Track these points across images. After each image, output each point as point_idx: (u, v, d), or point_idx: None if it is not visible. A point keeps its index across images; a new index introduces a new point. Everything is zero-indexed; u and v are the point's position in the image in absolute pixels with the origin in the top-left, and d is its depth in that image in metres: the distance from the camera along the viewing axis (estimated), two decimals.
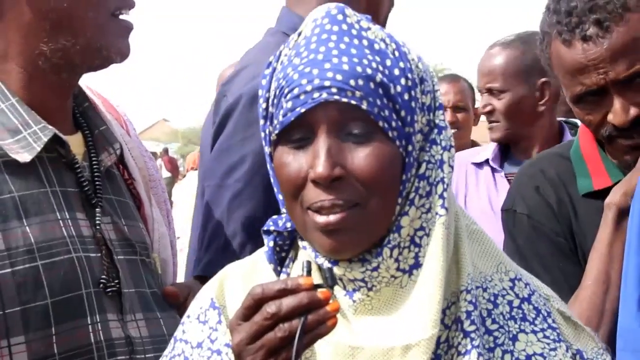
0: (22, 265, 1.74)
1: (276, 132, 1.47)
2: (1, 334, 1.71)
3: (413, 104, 1.48)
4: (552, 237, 2.28)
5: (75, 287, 1.80)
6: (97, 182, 1.94)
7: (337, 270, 1.47)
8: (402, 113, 1.47)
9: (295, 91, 1.44)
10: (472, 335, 1.46)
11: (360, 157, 1.44)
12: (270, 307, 1.35)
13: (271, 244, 1.56)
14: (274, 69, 1.53)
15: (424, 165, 1.50)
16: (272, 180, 1.55)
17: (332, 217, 1.43)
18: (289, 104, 1.44)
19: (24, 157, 1.82)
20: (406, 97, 1.47)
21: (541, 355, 1.50)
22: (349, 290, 1.49)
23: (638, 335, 1.78)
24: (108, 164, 2.02)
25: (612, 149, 2.23)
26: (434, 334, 1.43)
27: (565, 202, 2.29)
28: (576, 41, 2.11)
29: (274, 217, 1.57)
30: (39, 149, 1.83)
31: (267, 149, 1.55)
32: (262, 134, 1.55)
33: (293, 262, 1.59)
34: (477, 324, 1.47)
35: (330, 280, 1.41)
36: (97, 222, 1.90)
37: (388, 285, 1.47)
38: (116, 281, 1.89)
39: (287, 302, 1.35)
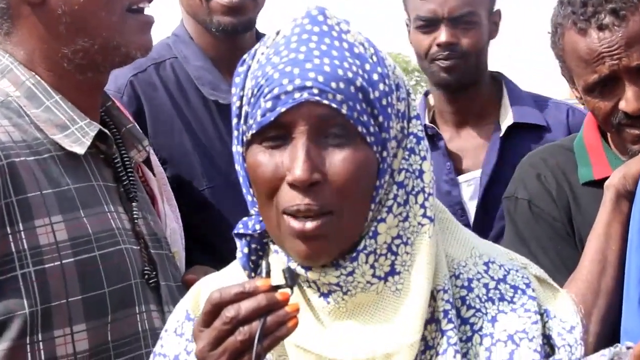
0: (83, 255, 1.83)
1: (252, 131, 1.44)
2: (65, 322, 1.80)
3: (389, 110, 1.46)
4: (550, 222, 2.33)
5: (127, 278, 1.89)
6: (131, 178, 2.00)
7: (310, 275, 1.45)
8: (380, 119, 1.45)
9: (276, 91, 1.41)
10: (449, 333, 1.45)
11: (338, 161, 1.42)
12: (229, 312, 1.35)
13: (245, 250, 1.52)
14: (249, 67, 1.50)
15: (402, 174, 1.48)
16: (241, 180, 1.53)
17: (308, 225, 1.41)
18: (269, 104, 1.41)
19: (78, 150, 1.88)
20: (384, 102, 1.45)
21: (523, 331, 1.47)
22: (323, 292, 1.47)
23: None
24: (139, 160, 2.08)
25: (618, 139, 2.27)
26: (416, 340, 1.43)
27: (564, 190, 2.35)
28: (592, 30, 2.16)
29: (244, 218, 1.54)
30: (88, 143, 1.90)
31: (239, 149, 1.51)
32: (235, 133, 1.52)
33: None
34: (454, 322, 1.46)
35: (290, 281, 1.39)
36: (135, 216, 1.96)
37: (364, 291, 1.46)
38: (154, 273, 1.96)
39: (246, 305, 1.34)
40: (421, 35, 2.93)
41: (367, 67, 1.45)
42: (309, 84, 1.40)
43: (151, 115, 2.65)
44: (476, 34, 2.92)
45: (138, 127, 2.10)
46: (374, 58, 1.47)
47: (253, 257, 1.53)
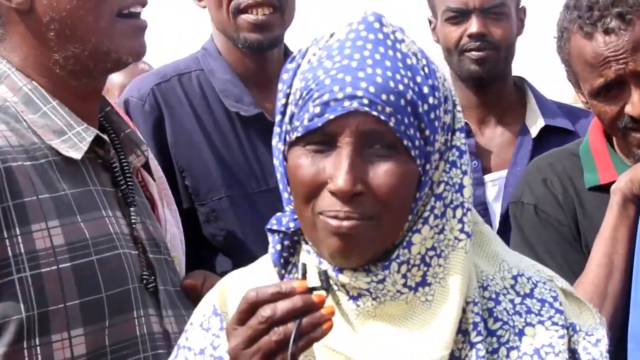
0: (80, 260, 1.82)
1: (298, 134, 1.44)
2: (62, 326, 1.79)
3: (436, 123, 1.46)
4: (557, 227, 2.34)
5: (125, 282, 1.88)
6: (129, 183, 1.99)
7: (342, 279, 1.45)
8: (427, 132, 1.44)
9: (325, 97, 1.40)
10: (478, 345, 1.45)
11: (381, 172, 1.41)
12: (265, 311, 1.34)
13: (278, 246, 1.52)
14: (299, 65, 1.48)
15: (442, 186, 1.48)
16: (278, 177, 1.52)
17: (345, 223, 1.40)
18: (317, 109, 1.41)
19: (74, 155, 1.88)
20: (432, 116, 1.45)
21: (549, 345, 1.47)
22: (353, 295, 1.47)
23: None
24: (138, 165, 2.07)
25: (624, 143, 2.28)
26: (445, 355, 1.43)
27: (570, 194, 2.35)
28: (598, 34, 2.17)
29: (278, 214, 1.54)
30: (85, 148, 1.89)
31: (280, 146, 1.51)
32: (277, 129, 1.50)
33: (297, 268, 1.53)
34: (482, 334, 1.46)
35: (326, 283, 1.39)
36: (133, 220, 1.96)
37: (393, 299, 1.46)
38: (152, 277, 1.95)
39: (282, 306, 1.34)
40: (451, 27, 2.91)
41: (419, 79, 1.44)
42: (359, 93, 1.40)
43: (171, 124, 2.66)
44: (506, 26, 2.90)
45: (137, 132, 2.10)
46: (426, 70, 1.46)
47: (285, 254, 1.53)
